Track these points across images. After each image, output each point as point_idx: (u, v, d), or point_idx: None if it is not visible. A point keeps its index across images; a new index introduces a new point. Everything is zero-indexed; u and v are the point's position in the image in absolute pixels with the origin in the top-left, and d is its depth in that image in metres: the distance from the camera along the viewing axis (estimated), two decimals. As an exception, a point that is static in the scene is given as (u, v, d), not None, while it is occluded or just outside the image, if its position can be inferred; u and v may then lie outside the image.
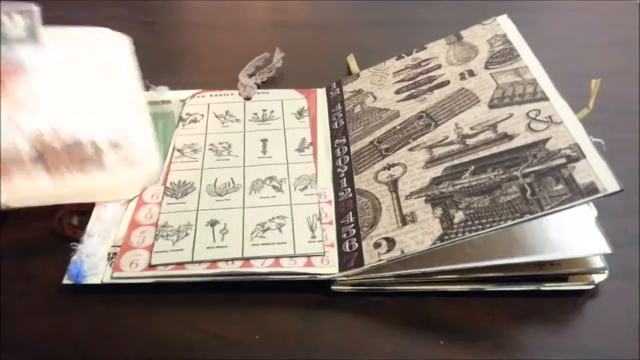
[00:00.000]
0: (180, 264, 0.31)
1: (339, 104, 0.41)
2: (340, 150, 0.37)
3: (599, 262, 0.29)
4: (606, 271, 0.29)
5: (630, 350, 0.27)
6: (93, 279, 0.31)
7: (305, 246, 0.32)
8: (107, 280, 0.31)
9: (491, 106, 0.33)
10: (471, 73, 0.36)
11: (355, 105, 0.40)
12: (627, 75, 0.46)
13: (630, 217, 0.33)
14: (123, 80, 0.36)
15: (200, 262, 0.31)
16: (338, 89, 0.42)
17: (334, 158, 0.37)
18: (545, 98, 0.31)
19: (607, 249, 0.28)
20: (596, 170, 0.26)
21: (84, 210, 0.35)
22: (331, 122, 0.40)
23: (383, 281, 0.30)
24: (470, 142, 0.31)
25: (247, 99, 0.43)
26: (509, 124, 0.31)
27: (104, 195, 0.33)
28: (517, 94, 0.33)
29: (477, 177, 0.29)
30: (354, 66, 0.45)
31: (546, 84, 0.32)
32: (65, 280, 0.31)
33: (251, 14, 0.59)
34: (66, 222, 0.34)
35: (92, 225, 0.34)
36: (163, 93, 0.44)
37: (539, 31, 0.51)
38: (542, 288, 0.29)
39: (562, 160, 0.27)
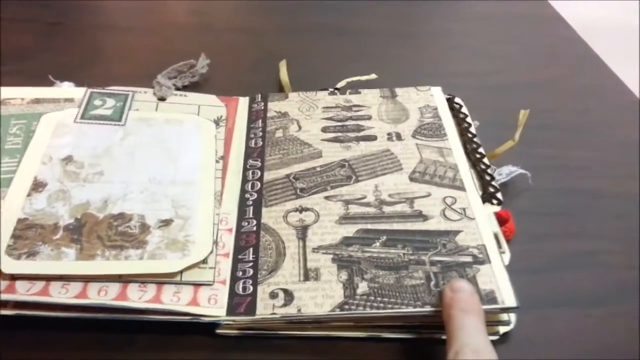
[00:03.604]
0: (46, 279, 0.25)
1: (260, 121, 0.37)
2: (253, 173, 0.33)
3: (504, 315, 0.27)
4: (512, 324, 0.27)
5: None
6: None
7: (194, 272, 0.28)
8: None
9: (412, 179, 0.32)
10: (399, 136, 0.35)
11: (277, 128, 0.36)
12: (549, 88, 0.45)
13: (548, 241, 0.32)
14: (193, 161, 0.33)
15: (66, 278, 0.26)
16: (262, 104, 0.38)
17: (244, 180, 0.33)
18: (462, 188, 0.31)
19: (514, 303, 0.26)
20: (498, 279, 0.26)
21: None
22: (248, 139, 0.36)
23: (273, 326, 0.27)
24: (386, 209, 0.30)
25: (162, 99, 0.37)
26: (425, 203, 0.30)
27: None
28: (437, 174, 0.32)
29: (387, 250, 0.28)
30: (283, 73, 0.41)
31: (465, 173, 0.32)
32: None
33: (170, 17, 0.51)
34: None
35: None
36: (67, 90, 0.37)
37: (465, 42, 0.51)
38: (443, 337, 0.26)
39: (469, 259, 0.28)
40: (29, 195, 0.30)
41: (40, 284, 0.26)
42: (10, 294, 0.25)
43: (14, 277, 0.26)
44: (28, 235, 0.28)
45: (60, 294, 0.26)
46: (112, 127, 0.35)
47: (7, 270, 0.26)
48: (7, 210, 0.29)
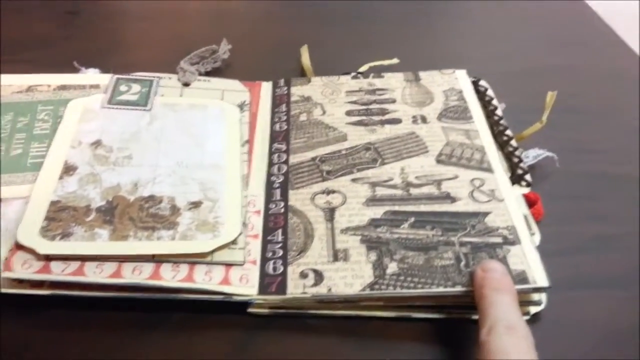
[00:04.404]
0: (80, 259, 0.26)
1: (284, 105, 0.36)
2: (279, 156, 0.33)
3: (535, 295, 0.27)
4: (542, 304, 0.27)
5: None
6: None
7: (225, 252, 0.28)
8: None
9: (438, 161, 0.32)
10: (424, 119, 0.34)
11: (301, 112, 0.36)
12: (573, 72, 0.43)
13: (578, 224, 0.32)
14: (219, 145, 0.33)
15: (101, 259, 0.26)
16: (286, 88, 0.37)
17: (270, 164, 0.32)
18: (490, 169, 0.31)
19: (545, 283, 0.26)
20: (529, 259, 0.26)
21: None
22: (272, 123, 0.35)
23: (304, 305, 0.27)
24: (413, 192, 0.30)
25: (186, 84, 0.37)
26: (453, 185, 0.30)
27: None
28: (464, 156, 0.32)
29: (416, 231, 0.28)
30: (305, 58, 0.41)
31: (493, 155, 0.32)
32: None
33: (188, 3, 0.50)
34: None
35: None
36: (92, 76, 0.37)
37: (484, 26, 0.49)
38: (474, 317, 0.26)
39: (498, 240, 0.27)
40: (60, 178, 0.29)
41: (75, 264, 0.26)
42: (46, 274, 0.25)
43: (48, 258, 0.26)
44: (61, 217, 0.27)
45: (96, 274, 0.26)
46: (139, 112, 0.34)
47: (42, 251, 0.26)
48: (40, 193, 0.29)
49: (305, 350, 0.26)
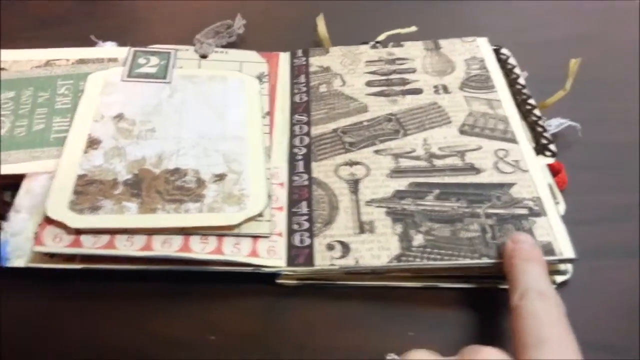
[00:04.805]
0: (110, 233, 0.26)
1: (302, 76, 0.35)
2: (300, 128, 0.32)
3: (561, 265, 0.27)
4: (568, 274, 0.27)
5: (592, 341, 0.25)
6: (17, 261, 0.25)
7: (251, 225, 0.28)
8: (31, 262, 0.25)
9: (462, 131, 0.31)
10: (445, 89, 0.34)
11: (321, 83, 0.35)
12: (596, 42, 0.42)
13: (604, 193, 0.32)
14: (240, 117, 0.33)
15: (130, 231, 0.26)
16: (304, 58, 0.36)
17: (292, 135, 0.32)
18: (514, 140, 0.30)
19: (572, 254, 0.26)
20: (555, 231, 0.26)
21: (17, 184, 0.28)
22: (292, 94, 0.35)
23: (332, 276, 0.27)
24: (437, 163, 0.30)
25: (203, 56, 0.36)
26: (477, 156, 0.30)
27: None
28: (488, 127, 0.31)
29: (441, 203, 0.28)
30: (322, 27, 0.39)
31: (516, 124, 0.31)
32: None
33: None
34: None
35: (20, 199, 0.27)
36: (110, 50, 0.36)
37: None
38: (501, 286, 0.26)
39: (524, 211, 0.27)
40: (85, 152, 0.29)
41: (105, 238, 0.26)
42: (78, 247, 0.25)
43: (78, 232, 0.26)
44: (89, 190, 0.27)
45: (126, 247, 0.26)
46: (158, 84, 0.34)
47: (73, 224, 0.26)
48: (66, 167, 0.28)
49: (332, 319, 0.26)
